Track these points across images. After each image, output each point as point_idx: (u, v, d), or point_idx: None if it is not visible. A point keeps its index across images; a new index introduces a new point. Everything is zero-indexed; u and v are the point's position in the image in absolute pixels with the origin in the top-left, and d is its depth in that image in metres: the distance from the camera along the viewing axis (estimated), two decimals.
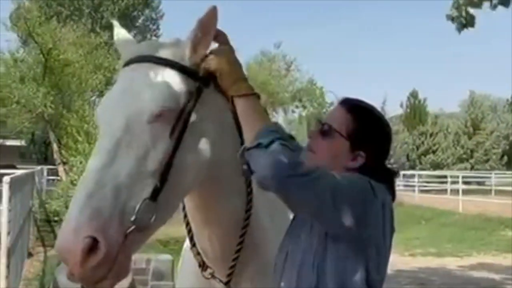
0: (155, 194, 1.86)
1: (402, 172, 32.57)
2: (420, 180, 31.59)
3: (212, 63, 2.02)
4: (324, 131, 2.04)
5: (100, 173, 1.79)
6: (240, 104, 1.99)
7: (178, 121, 1.94)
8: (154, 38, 39.74)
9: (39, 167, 23.34)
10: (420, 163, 44.81)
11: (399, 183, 29.98)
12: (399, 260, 12.28)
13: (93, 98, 24.73)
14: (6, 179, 7.77)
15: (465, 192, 26.36)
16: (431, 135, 46.20)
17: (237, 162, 1.95)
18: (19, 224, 9.66)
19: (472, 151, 45.64)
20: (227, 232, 2.25)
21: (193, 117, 1.98)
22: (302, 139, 2.50)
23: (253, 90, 2.02)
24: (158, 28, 41.21)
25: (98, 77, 23.31)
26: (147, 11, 40.34)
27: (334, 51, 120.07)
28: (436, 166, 44.08)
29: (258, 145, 1.81)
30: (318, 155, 2.02)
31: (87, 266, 1.69)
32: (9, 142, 35.39)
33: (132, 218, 1.78)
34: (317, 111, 26.03)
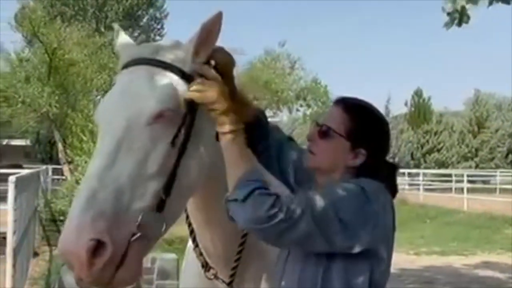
0: (161, 206, 1.88)
1: (406, 171, 32.53)
2: (425, 178, 31.52)
3: (197, 95, 1.96)
4: (322, 132, 2.04)
5: (101, 175, 1.79)
6: (224, 142, 1.96)
7: (181, 127, 1.94)
8: (158, 37, 39.82)
9: (44, 167, 23.43)
10: (425, 161, 44.74)
11: (403, 182, 29.97)
12: (404, 259, 12.28)
13: (98, 97, 24.75)
14: (12, 178, 7.80)
15: (470, 190, 26.30)
16: (435, 133, 46.12)
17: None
18: (24, 223, 9.70)
19: (477, 149, 45.55)
20: (228, 232, 2.25)
21: (195, 122, 1.99)
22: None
23: (238, 125, 1.96)
24: (162, 27, 41.27)
25: (103, 77, 23.33)
26: (151, 11, 40.37)
27: (338, 50, 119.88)
28: (440, 164, 44.02)
29: (236, 200, 1.81)
30: (319, 157, 2.03)
31: (94, 268, 1.69)
32: (14, 142, 35.51)
33: (138, 228, 1.79)
34: (321, 110, 26.01)
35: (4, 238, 6.53)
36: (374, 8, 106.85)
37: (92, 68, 22.92)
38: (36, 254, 12.28)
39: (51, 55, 22.43)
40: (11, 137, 35.40)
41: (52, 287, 8.33)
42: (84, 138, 17.50)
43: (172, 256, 8.11)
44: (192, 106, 1.96)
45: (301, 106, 28.12)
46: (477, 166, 43.60)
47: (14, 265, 7.42)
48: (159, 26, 41.23)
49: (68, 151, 20.98)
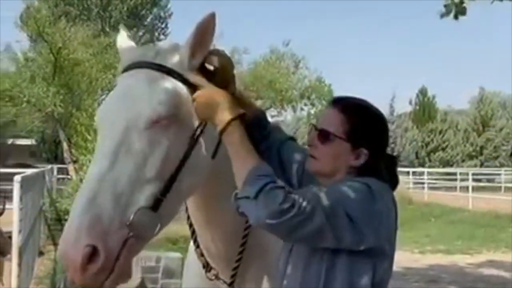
0: (156, 204, 1.88)
1: (411, 170, 32.49)
2: (430, 177, 31.46)
3: (197, 112, 2.01)
4: (322, 137, 2.02)
5: (100, 180, 1.81)
6: (225, 138, 1.96)
7: (181, 130, 1.96)
8: (162, 36, 39.83)
9: (49, 166, 23.48)
10: (429, 160, 44.67)
11: (408, 180, 29.93)
12: (408, 258, 12.26)
13: (103, 97, 24.79)
14: (17, 178, 7.82)
15: (475, 189, 26.24)
16: (440, 132, 46.04)
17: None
18: (30, 223, 9.72)
19: (481, 148, 45.47)
20: (229, 232, 2.26)
21: (195, 124, 2.01)
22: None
23: (235, 113, 1.96)
24: (166, 26, 41.26)
25: (108, 76, 23.36)
26: (155, 10, 40.36)
27: (343, 48, 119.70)
28: (445, 163, 43.94)
29: (246, 197, 1.81)
30: (321, 161, 2.02)
31: (87, 273, 1.73)
32: (20, 141, 35.59)
33: (130, 228, 1.80)
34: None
35: (10, 237, 6.55)
36: (378, 6, 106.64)
37: (97, 67, 22.94)
38: (41, 253, 12.32)
39: (56, 55, 22.47)
40: (16, 137, 35.51)
41: (58, 287, 8.35)
42: (89, 138, 17.53)
43: (177, 255, 8.13)
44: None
45: (305, 105, 28.09)
46: (481, 165, 43.53)
47: (19, 264, 7.44)
48: (163, 26, 41.22)
49: (73, 150, 21.04)
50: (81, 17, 31.61)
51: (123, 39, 2.31)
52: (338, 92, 26.26)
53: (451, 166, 42.44)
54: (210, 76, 2.07)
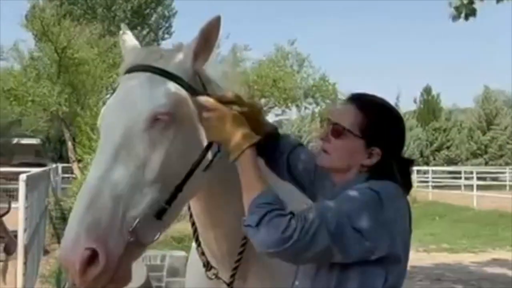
0: (161, 213, 1.90)
1: (416, 168, 32.42)
2: (434, 176, 31.43)
3: (208, 133, 2.02)
4: (336, 131, 1.99)
5: (99, 184, 1.81)
6: (238, 163, 1.96)
7: (180, 132, 1.97)
8: (166, 35, 39.84)
9: (54, 165, 23.53)
10: (434, 159, 44.62)
11: (412, 179, 29.82)
12: (413, 256, 12.12)
13: (107, 96, 24.83)
14: (23, 177, 7.84)
15: (479, 187, 26.20)
16: (444, 130, 45.99)
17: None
18: (35, 221, 9.74)
19: (486, 146, 45.38)
20: (231, 233, 2.26)
21: (195, 127, 2.02)
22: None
23: (250, 141, 1.97)
24: (170, 25, 41.21)
25: (113, 76, 23.39)
26: (159, 9, 40.34)
27: (347, 47, 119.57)
28: (450, 161, 43.87)
29: (249, 225, 1.81)
30: (333, 156, 1.99)
31: (87, 277, 1.73)
32: (25, 141, 35.65)
33: (131, 234, 1.81)
34: (331, 107, 25.94)
35: (15, 236, 6.56)
36: (383, 6, 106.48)
37: (101, 67, 22.97)
38: (46, 252, 12.35)
39: (61, 54, 22.51)
40: (21, 136, 35.58)
41: (63, 285, 8.37)
42: (94, 137, 17.58)
43: (182, 253, 8.14)
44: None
45: (310, 104, 28.04)
46: (486, 163, 43.44)
47: (25, 263, 7.46)
48: (167, 24, 41.20)
49: (77, 149, 21.09)
50: (85, 16, 31.62)
51: (127, 38, 2.31)
52: (343, 91, 26.27)
53: (456, 164, 42.39)
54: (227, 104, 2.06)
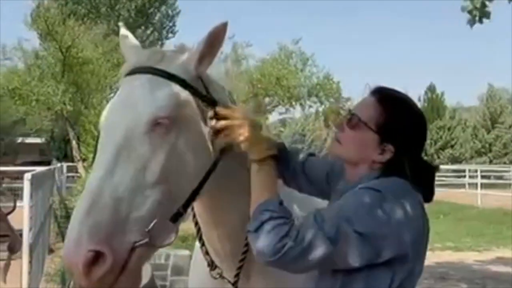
0: (177, 218, 1.92)
1: None
2: (438, 174, 31.05)
3: (231, 135, 2.03)
4: (351, 121, 1.95)
5: (100, 186, 1.81)
6: (254, 168, 2.00)
7: (182, 134, 1.98)
8: (170, 35, 39.87)
9: (59, 164, 23.58)
10: (438, 157, 44.52)
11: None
12: None
13: (111, 95, 24.86)
14: (27, 176, 7.85)
15: (484, 186, 26.14)
16: (449, 129, 45.90)
17: (243, 164, 2.03)
18: (40, 220, 9.77)
19: (490, 145, 45.29)
20: (235, 232, 2.26)
21: (197, 129, 2.03)
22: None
23: (271, 151, 2.02)
24: (174, 25, 41.25)
25: (117, 75, 23.41)
26: (163, 8, 40.38)
27: (351, 46, 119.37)
28: (454, 160, 43.79)
29: (249, 231, 1.82)
30: (345, 147, 1.96)
31: (92, 278, 1.73)
32: (29, 140, 35.77)
33: (146, 236, 1.82)
34: (335, 106, 25.92)
35: (20, 235, 6.58)
36: (387, 4, 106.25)
37: (105, 66, 23.00)
38: (51, 251, 12.38)
39: (65, 53, 22.54)
40: (26, 135, 35.71)
41: (68, 284, 8.40)
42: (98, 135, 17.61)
43: (186, 252, 8.13)
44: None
45: (314, 103, 27.99)
46: (490, 162, 43.35)
47: (30, 262, 7.48)
48: (171, 24, 41.23)
49: (82, 148, 21.14)
50: (89, 15, 31.67)
51: (127, 39, 2.31)
52: (347, 90, 26.26)
53: (460, 163, 42.30)
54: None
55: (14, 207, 6.31)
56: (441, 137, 45.57)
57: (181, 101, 1.99)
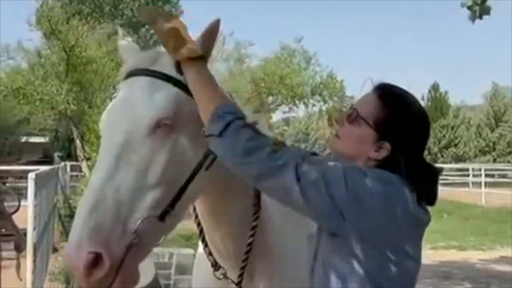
0: (164, 215, 1.91)
1: None
2: (442, 173, 31.25)
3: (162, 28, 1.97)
4: (351, 117, 1.93)
5: (101, 188, 1.84)
6: (188, 72, 1.96)
7: (182, 135, 1.98)
8: None
9: (62, 163, 23.62)
10: (442, 156, 44.48)
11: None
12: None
13: (114, 95, 24.87)
14: (31, 175, 7.87)
15: (488, 185, 26.09)
16: (452, 128, 45.85)
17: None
18: (44, 219, 9.78)
19: (494, 143, 45.22)
20: (238, 232, 2.28)
21: (196, 129, 2.01)
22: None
23: (198, 53, 1.97)
24: None
25: (121, 72, 23.40)
26: (167, 7, 40.38)
27: (355, 44, 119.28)
28: (458, 159, 43.73)
29: (212, 135, 1.80)
30: (342, 141, 1.95)
31: (92, 279, 1.77)
32: (33, 139, 35.83)
33: (134, 235, 1.83)
34: (339, 105, 25.91)
35: (25, 234, 6.60)
36: (391, 3, 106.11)
37: (109, 66, 23.02)
38: (55, 250, 12.40)
39: (69, 53, 22.57)
40: (30, 135, 35.77)
41: (71, 283, 8.42)
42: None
43: (190, 251, 8.15)
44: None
45: (317, 101, 27.98)
46: (494, 160, 43.28)
47: (34, 261, 7.49)
48: None
49: (86, 147, 21.15)
50: (93, 15, 31.68)
51: (125, 42, 2.34)
52: (350, 89, 26.22)
53: (464, 161, 42.24)
54: None
55: (19, 206, 6.34)
56: (444, 136, 45.51)
57: (179, 102, 2.01)
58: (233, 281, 2.36)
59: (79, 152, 23.01)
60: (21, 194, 8.83)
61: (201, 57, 1.98)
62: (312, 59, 27.25)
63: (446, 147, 45.27)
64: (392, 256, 1.77)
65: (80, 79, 23.07)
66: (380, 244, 1.76)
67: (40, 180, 8.86)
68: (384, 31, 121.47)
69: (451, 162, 41.80)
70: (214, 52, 2.11)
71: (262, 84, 25.45)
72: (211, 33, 2.04)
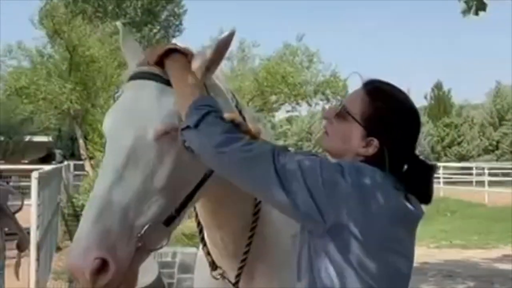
0: (170, 221, 1.92)
1: None
2: (445, 172, 31.26)
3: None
4: (339, 113, 1.89)
5: (108, 193, 1.82)
6: (171, 69, 2.00)
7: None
8: (177, 33, 39.90)
9: (66, 162, 23.67)
10: (445, 155, 44.47)
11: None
12: (425, 252, 12.24)
13: (118, 93, 24.89)
14: (35, 174, 7.88)
15: (491, 183, 26.08)
16: (456, 126, 45.81)
17: None
18: (47, 218, 9.80)
19: (498, 142, 45.16)
20: (238, 232, 2.28)
21: None
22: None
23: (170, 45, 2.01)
24: (181, 23, 41.25)
25: (124, 74, 23.41)
26: (170, 6, 40.40)
27: (358, 43, 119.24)
28: (461, 157, 43.69)
29: (188, 127, 1.79)
30: (330, 138, 1.92)
31: (97, 285, 1.76)
32: (37, 138, 35.87)
33: (139, 240, 1.84)
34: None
35: (28, 233, 6.62)
36: (394, 1, 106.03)
37: (112, 65, 23.04)
38: (59, 249, 12.43)
39: (72, 52, 22.59)
40: (33, 134, 35.81)
41: (75, 282, 8.43)
42: None
43: (193, 250, 8.15)
44: None
45: (320, 100, 27.93)
46: (498, 159, 43.22)
47: (37, 260, 7.51)
48: (177, 22, 41.26)
49: (89, 146, 21.19)
50: (96, 14, 31.73)
51: (128, 42, 2.29)
52: (353, 88, 26.17)
53: (467, 160, 42.21)
54: None
55: (22, 206, 6.34)
56: (448, 135, 45.48)
57: None
58: (230, 281, 2.36)
59: (82, 151, 23.04)
60: (24, 193, 8.81)
61: (184, 55, 2.02)
62: (314, 56, 27.19)
63: (450, 145, 45.24)
64: (373, 251, 1.71)
65: (83, 78, 23.08)
66: (359, 237, 1.69)
67: (44, 179, 8.88)
68: (387, 30, 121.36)
69: (454, 161, 41.77)
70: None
71: (265, 83, 25.42)
72: (225, 45, 2.03)
